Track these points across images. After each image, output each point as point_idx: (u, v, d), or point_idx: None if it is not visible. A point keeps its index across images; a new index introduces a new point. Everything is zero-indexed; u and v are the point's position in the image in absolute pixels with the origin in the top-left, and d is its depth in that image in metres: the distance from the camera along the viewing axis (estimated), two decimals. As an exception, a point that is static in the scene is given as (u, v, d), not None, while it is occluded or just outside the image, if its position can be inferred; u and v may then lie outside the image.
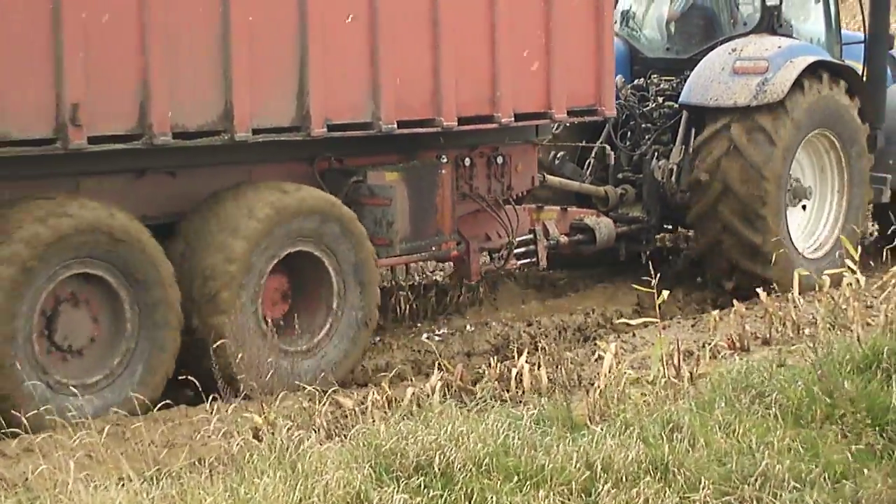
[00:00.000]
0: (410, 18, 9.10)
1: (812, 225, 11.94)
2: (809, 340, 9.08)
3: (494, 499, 6.25)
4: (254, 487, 6.06)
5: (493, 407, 7.65)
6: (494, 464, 6.49)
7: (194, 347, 8.19)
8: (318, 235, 8.73)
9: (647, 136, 11.91)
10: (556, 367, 8.78)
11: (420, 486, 6.33)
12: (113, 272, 7.91)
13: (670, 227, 12.03)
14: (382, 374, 9.04)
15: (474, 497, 6.31)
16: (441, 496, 6.28)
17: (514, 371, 8.63)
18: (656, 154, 11.73)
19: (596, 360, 8.96)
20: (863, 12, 12.71)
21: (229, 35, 8.22)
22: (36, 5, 7.51)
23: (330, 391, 8.15)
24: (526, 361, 8.68)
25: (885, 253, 11.36)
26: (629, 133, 12.02)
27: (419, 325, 10.72)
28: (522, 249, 10.56)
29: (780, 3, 11.81)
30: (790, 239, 11.45)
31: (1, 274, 7.42)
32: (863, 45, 12.55)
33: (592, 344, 9.61)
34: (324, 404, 7.88)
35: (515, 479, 6.43)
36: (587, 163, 11.92)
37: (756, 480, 6.71)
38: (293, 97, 8.58)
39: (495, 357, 9.16)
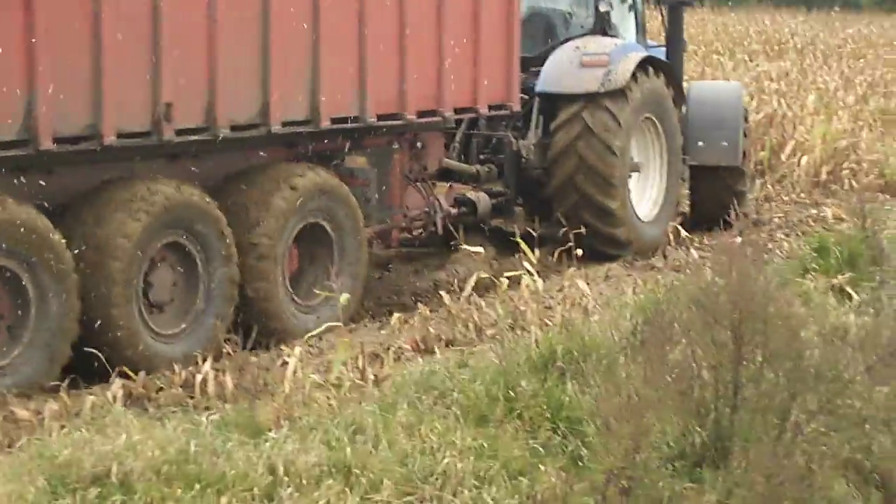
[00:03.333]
0: (386, 35, 11.01)
1: (640, 194, 13.68)
2: (490, 341, 9.33)
3: (175, 507, 6.16)
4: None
5: (176, 414, 7.53)
6: (175, 472, 6.39)
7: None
8: (326, 210, 10.41)
9: (503, 122, 13.42)
10: (241, 372, 8.73)
11: (98, 497, 6.18)
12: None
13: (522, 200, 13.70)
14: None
15: (154, 506, 6.20)
16: (120, 506, 6.14)
17: (198, 377, 8.52)
18: (513, 137, 13.32)
19: (281, 364, 8.94)
20: (664, 23, 15.15)
21: (269, 49, 9.94)
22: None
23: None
24: (211, 367, 8.58)
25: None
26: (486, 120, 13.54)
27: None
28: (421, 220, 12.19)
29: (611, 10, 13.96)
30: (631, 205, 13.32)
31: None
32: (664, 49, 14.84)
33: (278, 348, 9.57)
34: (-4, 416, 7.58)
35: (197, 486, 6.34)
36: (451, 146, 13.35)
37: (437, 479, 6.85)
38: (308, 96, 10.34)
39: (178, 364, 9.00)
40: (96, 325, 8.82)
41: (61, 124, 8.69)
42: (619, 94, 13.06)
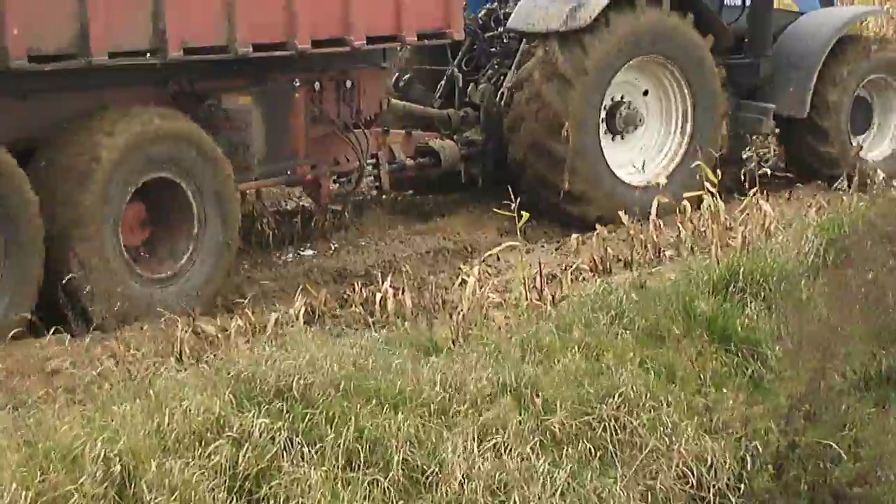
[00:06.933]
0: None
1: (654, 150, 11.64)
2: (669, 262, 9.24)
3: (354, 421, 6.27)
4: (110, 415, 5.99)
5: (356, 331, 7.65)
6: (354, 387, 6.50)
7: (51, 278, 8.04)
8: (177, 161, 8.61)
9: (493, 61, 11.75)
10: (420, 291, 8.82)
11: (281, 410, 6.32)
12: None
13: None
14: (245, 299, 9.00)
15: (335, 420, 6.32)
16: (301, 420, 6.28)
17: (378, 295, 8.64)
18: (497, 79, 11.51)
19: (459, 284, 9.00)
20: None
21: None
22: None
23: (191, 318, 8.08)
24: (390, 286, 8.69)
25: None
26: (475, 58, 11.92)
27: (283, 249, 10.61)
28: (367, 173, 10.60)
29: None
30: (610, 172, 11.14)
31: None
32: None
33: (457, 268, 9.62)
34: (185, 331, 7.81)
35: (375, 401, 6.45)
36: (438, 86, 11.86)
37: (613, 400, 6.84)
38: (149, 19, 8.44)
39: (359, 282, 9.14)
40: None
41: None
42: (578, 36, 10.80)
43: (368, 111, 10.35)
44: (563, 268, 9.56)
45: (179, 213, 8.74)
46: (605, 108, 11.27)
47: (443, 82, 11.83)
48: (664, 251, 9.89)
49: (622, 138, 11.49)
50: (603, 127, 11.29)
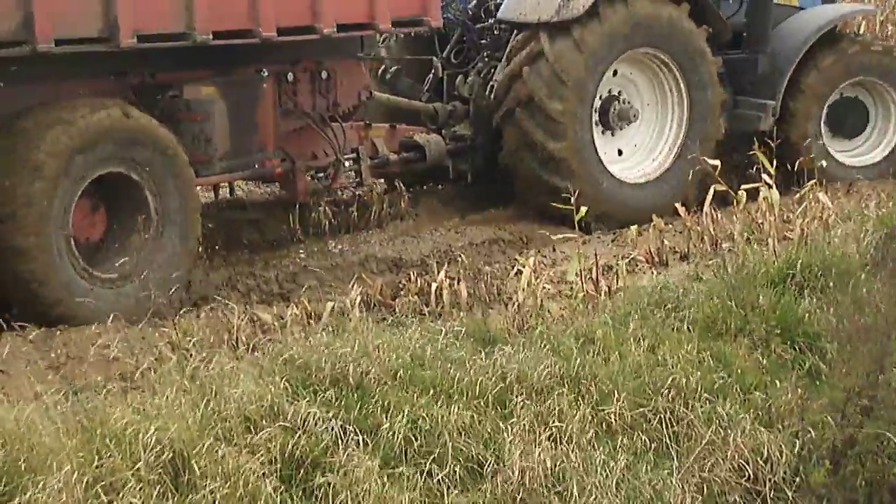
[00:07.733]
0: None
1: (650, 147, 11.33)
2: (726, 255, 9.16)
3: (409, 411, 6.27)
4: (163, 402, 6.02)
5: (412, 321, 7.65)
6: (409, 377, 6.50)
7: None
8: (130, 156, 8.22)
9: (483, 54, 11.46)
10: (476, 281, 8.80)
11: (334, 398, 6.33)
12: None
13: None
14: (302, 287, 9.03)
15: (390, 409, 6.32)
16: (356, 408, 6.29)
17: (433, 285, 8.64)
18: (487, 72, 11.22)
19: (515, 274, 8.98)
20: None
21: None
22: None
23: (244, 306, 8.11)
24: (445, 276, 8.68)
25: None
26: (464, 50, 11.63)
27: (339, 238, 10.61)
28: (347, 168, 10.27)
29: None
30: (604, 169, 10.87)
31: None
32: None
33: (512, 259, 9.60)
34: (241, 319, 7.84)
35: (431, 391, 6.44)
36: (427, 78, 11.55)
37: (669, 392, 6.80)
38: (99, 4, 8.04)
39: (415, 271, 9.14)
40: None
41: None
42: (569, 27, 10.51)
43: (346, 104, 9.99)
44: (619, 259, 9.51)
45: (135, 210, 8.35)
46: (597, 102, 11.00)
47: (430, 75, 11.52)
48: (721, 243, 9.82)
49: (616, 133, 11.21)
50: (596, 122, 11.01)
